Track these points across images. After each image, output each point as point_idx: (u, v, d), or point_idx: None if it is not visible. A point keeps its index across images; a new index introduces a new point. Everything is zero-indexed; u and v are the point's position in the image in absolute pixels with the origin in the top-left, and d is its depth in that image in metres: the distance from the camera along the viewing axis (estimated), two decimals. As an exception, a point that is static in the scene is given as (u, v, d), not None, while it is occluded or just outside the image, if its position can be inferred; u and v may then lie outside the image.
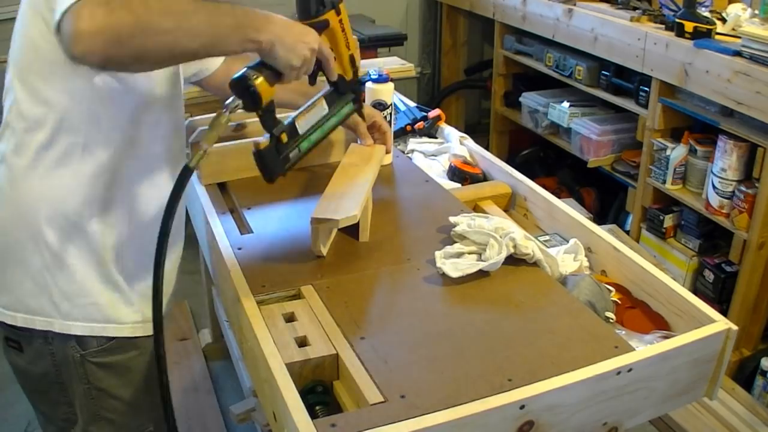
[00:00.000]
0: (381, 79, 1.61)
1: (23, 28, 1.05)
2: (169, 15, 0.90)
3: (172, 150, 1.22)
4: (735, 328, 1.07)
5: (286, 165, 1.11)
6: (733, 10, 2.25)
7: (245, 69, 1.03)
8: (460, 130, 1.87)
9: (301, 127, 1.13)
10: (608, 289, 1.23)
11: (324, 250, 1.27)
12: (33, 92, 1.06)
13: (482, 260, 1.19)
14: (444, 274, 1.19)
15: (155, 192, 1.18)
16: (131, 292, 1.19)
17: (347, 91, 1.20)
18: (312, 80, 1.17)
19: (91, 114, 1.07)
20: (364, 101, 1.40)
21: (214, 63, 1.44)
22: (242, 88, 1.01)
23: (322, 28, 1.11)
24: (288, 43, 1.02)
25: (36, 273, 1.12)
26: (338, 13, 1.13)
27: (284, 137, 1.10)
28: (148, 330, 1.19)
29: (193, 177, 1.58)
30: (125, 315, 1.18)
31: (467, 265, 1.18)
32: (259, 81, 1.01)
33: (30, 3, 1.03)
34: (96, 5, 0.85)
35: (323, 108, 1.16)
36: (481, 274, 1.18)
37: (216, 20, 0.95)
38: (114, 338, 1.17)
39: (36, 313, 1.14)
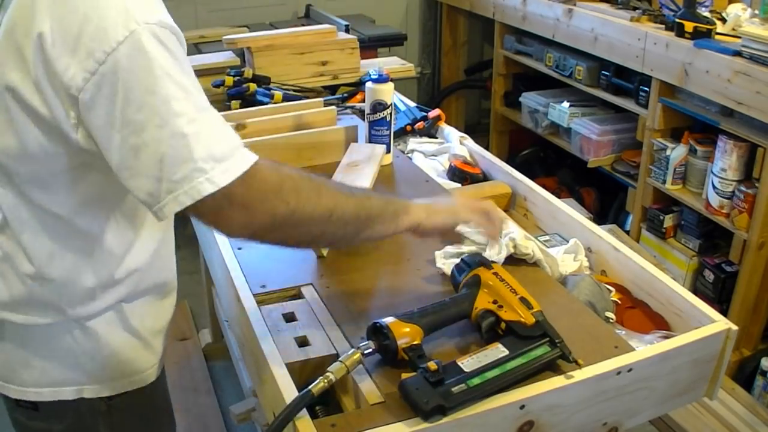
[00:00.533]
0: (381, 79, 1.61)
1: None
2: (318, 204, 0.89)
3: None
4: (735, 328, 1.07)
5: (449, 398, 0.89)
6: (733, 10, 2.25)
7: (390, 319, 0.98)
8: (460, 130, 1.86)
9: (467, 366, 0.94)
10: (608, 289, 1.23)
11: (324, 251, 1.27)
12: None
13: None
14: (444, 274, 1.19)
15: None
16: (146, 333, 1.10)
17: (532, 335, 0.99)
18: None
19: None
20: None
21: None
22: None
23: (472, 285, 1.07)
24: (441, 212, 1.06)
25: (64, 347, 1.03)
26: (489, 267, 1.08)
27: (433, 365, 0.91)
28: (162, 365, 1.15)
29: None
30: (147, 360, 1.11)
31: None
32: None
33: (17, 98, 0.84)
34: (239, 202, 0.82)
35: (499, 350, 0.97)
36: (481, 274, 1.18)
37: (363, 206, 0.96)
38: None
39: (63, 384, 1.04)
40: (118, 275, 1.01)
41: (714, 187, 2.21)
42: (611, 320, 1.18)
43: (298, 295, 1.18)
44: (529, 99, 3.10)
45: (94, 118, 0.81)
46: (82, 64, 0.78)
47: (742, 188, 2.12)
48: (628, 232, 2.65)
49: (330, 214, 0.91)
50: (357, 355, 0.94)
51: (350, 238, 0.98)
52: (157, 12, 0.83)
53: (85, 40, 0.78)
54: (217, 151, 0.81)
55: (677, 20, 2.26)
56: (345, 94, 2.09)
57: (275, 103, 1.92)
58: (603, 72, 2.68)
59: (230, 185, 0.81)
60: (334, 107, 1.83)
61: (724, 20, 2.30)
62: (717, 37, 2.19)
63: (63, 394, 1.05)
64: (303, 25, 2.36)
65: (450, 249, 1.23)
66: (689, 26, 2.22)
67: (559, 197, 1.54)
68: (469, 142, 1.81)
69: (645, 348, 1.04)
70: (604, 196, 3.04)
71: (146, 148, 0.79)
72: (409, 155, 1.81)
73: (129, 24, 0.78)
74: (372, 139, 1.65)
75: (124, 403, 1.10)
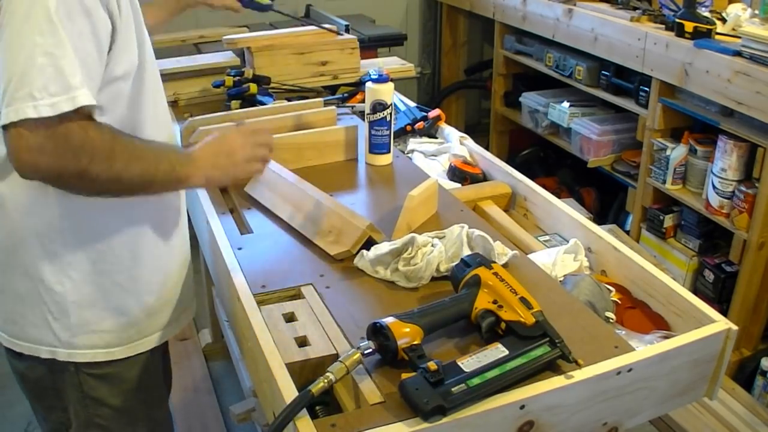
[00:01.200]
0: (381, 79, 1.61)
1: None
2: (110, 167, 0.97)
3: None
4: (735, 328, 1.07)
5: (449, 398, 0.89)
6: (733, 10, 2.25)
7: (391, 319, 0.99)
8: (460, 130, 1.87)
9: (467, 366, 0.94)
10: (608, 289, 1.23)
11: (333, 251, 1.28)
12: None
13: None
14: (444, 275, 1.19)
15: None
16: (133, 311, 1.18)
17: (532, 335, 0.99)
18: None
19: None
20: None
21: None
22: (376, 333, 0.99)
23: (472, 285, 1.07)
24: (220, 175, 1.14)
25: (34, 305, 1.12)
26: (489, 267, 1.08)
27: (433, 365, 0.91)
28: (146, 345, 1.22)
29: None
30: (129, 336, 1.19)
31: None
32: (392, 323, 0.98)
33: None
34: (47, 142, 0.90)
35: (499, 350, 0.96)
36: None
37: (148, 173, 1.03)
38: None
39: (39, 342, 1.14)
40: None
41: (714, 187, 2.21)
42: (611, 320, 1.18)
43: (298, 295, 1.18)
44: (529, 99, 3.10)
45: None
46: None
47: (742, 188, 2.12)
48: (628, 232, 2.65)
49: (117, 179, 0.99)
50: (357, 355, 0.94)
51: (130, 194, 1.05)
52: None
53: None
54: (53, 86, 0.90)
55: (677, 20, 2.26)
56: (345, 94, 2.09)
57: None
58: (603, 72, 2.68)
59: (47, 119, 0.89)
60: (334, 107, 1.83)
61: (724, 20, 2.30)
62: (717, 37, 2.19)
63: (39, 352, 1.14)
64: (303, 25, 2.35)
65: (381, 251, 1.23)
66: (689, 26, 2.22)
67: (559, 197, 1.55)
68: (469, 142, 1.81)
69: (645, 348, 1.04)
70: (604, 196, 3.04)
71: (3, 62, 0.91)
72: (409, 155, 1.81)
73: None
74: (372, 139, 1.65)
75: (93, 371, 1.17)
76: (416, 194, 1.34)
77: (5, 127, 0.90)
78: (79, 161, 0.93)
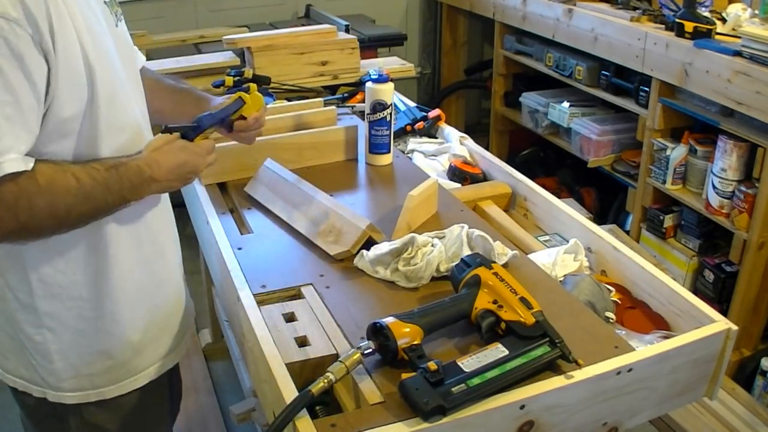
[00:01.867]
0: (381, 79, 1.61)
1: None
2: (52, 216, 0.94)
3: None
4: (735, 328, 1.07)
5: (449, 398, 0.89)
6: (733, 10, 2.25)
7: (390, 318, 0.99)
8: (460, 130, 1.87)
9: (467, 366, 0.94)
10: (608, 289, 1.23)
11: (334, 251, 1.28)
12: None
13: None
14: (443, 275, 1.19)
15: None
16: (120, 352, 1.14)
17: (532, 335, 0.99)
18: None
19: None
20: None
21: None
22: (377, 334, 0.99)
23: (472, 285, 1.07)
24: (166, 189, 1.11)
25: (19, 352, 1.11)
26: (489, 267, 1.08)
27: (433, 365, 0.91)
28: (141, 381, 1.18)
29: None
30: (118, 376, 1.16)
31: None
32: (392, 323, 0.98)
33: None
34: None
35: (499, 350, 0.96)
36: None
37: (99, 203, 0.99)
38: None
39: (30, 382, 1.13)
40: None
41: (714, 187, 2.21)
42: (611, 320, 1.18)
43: (298, 295, 1.18)
44: (529, 99, 3.10)
45: None
46: None
47: (742, 188, 2.12)
48: (628, 232, 2.65)
49: (63, 223, 0.97)
50: (357, 355, 0.94)
51: (87, 222, 1.01)
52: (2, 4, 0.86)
53: None
54: None
55: (677, 20, 2.26)
56: (345, 94, 2.09)
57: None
58: (603, 72, 2.68)
59: None
60: (334, 107, 1.83)
61: (724, 20, 2.30)
62: (717, 37, 2.19)
63: (32, 391, 1.13)
64: (303, 25, 2.35)
65: (381, 251, 1.23)
66: (689, 26, 2.22)
67: (559, 197, 1.55)
68: (469, 142, 1.81)
69: (645, 348, 1.04)
70: (604, 196, 3.04)
71: None
72: (409, 155, 1.81)
73: None
74: (372, 139, 1.65)
75: (93, 400, 1.14)
76: (416, 194, 1.34)
77: None
78: (17, 219, 0.91)
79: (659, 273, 1.22)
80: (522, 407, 0.92)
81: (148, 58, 1.29)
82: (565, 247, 1.33)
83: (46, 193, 0.93)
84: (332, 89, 2.17)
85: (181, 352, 1.27)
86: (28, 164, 0.91)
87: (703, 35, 2.19)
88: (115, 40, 1.06)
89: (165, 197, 1.21)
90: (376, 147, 1.65)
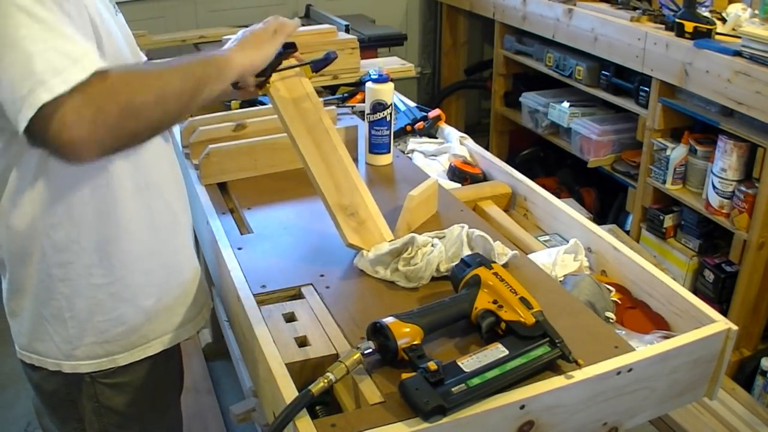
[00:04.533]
0: (381, 79, 1.61)
1: None
2: (149, 89, 0.92)
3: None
4: (735, 328, 1.07)
5: (449, 398, 0.89)
6: (733, 10, 2.25)
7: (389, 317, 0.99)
8: (460, 130, 1.87)
9: (467, 366, 0.94)
10: (608, 289, 1.23)
11: (349, 239, 1.27)
12: None
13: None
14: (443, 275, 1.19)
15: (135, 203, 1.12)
16: (133, 318, 1.15)
17: (532, 335, 0.98)
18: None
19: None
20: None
21: None
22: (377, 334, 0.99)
23: (472, 285, 1.07)
24: (251, 65, 1.13)
25: (35, 320, 1.11)
26: (489, 267, 1.08)
27: (433, 365, 0.91)
28: (154, 348, 1.19)
29: (193, 176, 1.58)
30: (131, 342, 1.16)
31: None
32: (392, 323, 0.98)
33: None
34: (79, 106, 0.83)
35: (499, 350, 0.96)
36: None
37: (188, 75, 0.98)
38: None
39: (45, 355, 1.13)
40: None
41: (714, 187, 2.21)
42: (611, 320, 1.18)
43: (298, 295, 1.18)
44: (529, 99, 3.10)
45: None
46: None
47: (742, 188, 2.12)
48: (628, 232, 2.65)
49: (162, 93, 0.93)
50: (357, 355, 0.94)
51: (187, 108, 1.00)
52: None
53: None
54: (59, 63, 0.84)
55: (677, 20, 2.26)
56: (345, 94, 2.09)
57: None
58: (603, 72, 2.68)
59: (66, 94, 0.82)
60: (334, 107, 1.83)
61: (724, 20, 2.30)
62: (717, 37, 2.19)
63: (46, 364, 1.13)
64: (303, 25, 2.35)
65: (381, 251, 1.22)
66: (689, 26, 2.22)
67: (559, 197, 1.55)
68: (469, 142, 1.81)
69: (645, 348, 1.04)
70: (604, 196, 3.04)
71: (2, 72, 0.84)
72: (409, 155, 1.81)
73: None
74: (372, 139, 1.65)
75: (109, 380, 1.16)
76: (416, 194, 1.34)
77: (31, 130, 0.84)
78: (117, 101, 0.87)
79: (659, 273, 1.22)
80: (522, 407, 0.92)
81: (148, 59, 1.30)
82: (565, 247, 1.33)
83: (132, 72, 0.94)
84: (332, 89, 2.17)
85: (198, 325, 1.27)
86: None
87: (703, 35, 2.19)
88: (119, 27, 1.08)
89: (176, 171, 1.21)
90: (376, 147, 1.65)
